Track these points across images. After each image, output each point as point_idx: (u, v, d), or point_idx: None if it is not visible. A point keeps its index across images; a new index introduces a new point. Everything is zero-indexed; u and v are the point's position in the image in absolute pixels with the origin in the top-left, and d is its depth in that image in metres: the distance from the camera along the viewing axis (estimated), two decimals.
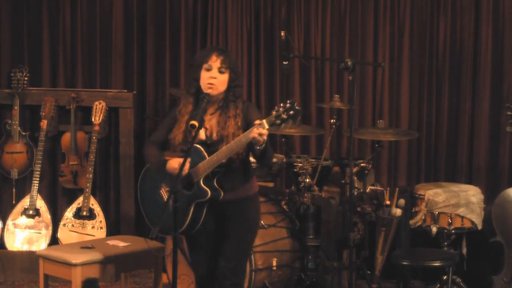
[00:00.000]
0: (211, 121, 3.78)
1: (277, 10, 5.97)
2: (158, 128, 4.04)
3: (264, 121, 3.51)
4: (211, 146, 3.73)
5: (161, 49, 6.10)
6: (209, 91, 3.73)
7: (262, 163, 3.80)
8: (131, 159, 5.92)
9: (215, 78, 3.74)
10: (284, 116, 3.47)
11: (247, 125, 3.71)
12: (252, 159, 3.85)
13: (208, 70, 3.75)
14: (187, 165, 3.66)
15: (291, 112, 3.46)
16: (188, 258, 4.76)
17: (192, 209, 3.73)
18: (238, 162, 3.73)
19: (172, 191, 3.51)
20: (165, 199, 3.80)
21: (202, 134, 3.75)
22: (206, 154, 3.70)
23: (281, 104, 3.50)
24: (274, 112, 3.49)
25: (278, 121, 3.48)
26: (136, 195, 5.91)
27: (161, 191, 3.86)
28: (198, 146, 3.71)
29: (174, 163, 3.72)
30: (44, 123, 5.70)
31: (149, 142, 3.98)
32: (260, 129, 3.49)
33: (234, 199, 3.79)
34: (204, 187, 3.71)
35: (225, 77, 3.76)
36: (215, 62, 3.74)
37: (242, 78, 3.91)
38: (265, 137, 3.52)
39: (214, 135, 3.75)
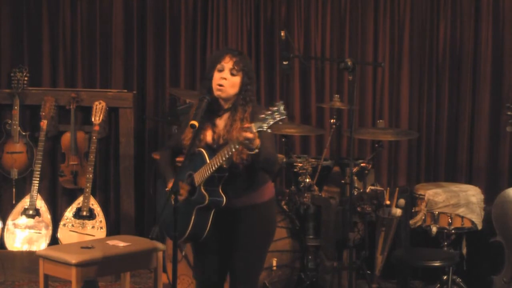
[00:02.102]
0: (220, 125, 3.71)
1: (277, 9, 5.97)
2: (175, 133, 3.97)
3: (252, 125, 3.39)
4: (216, 150, 3.63)
5: (161, 49, 6.10)
6: (218, 93, 3.66)
7: (262, 169, 3.68)
8: (131, 159, 5.92)
9: (225, 79, 3.65)
10: (270, 120, 3.37)
11: None
12: None
13: (220, 71, 3.66)
14: (183, 194, 3.64)
15: (277, 115, 3.36)
16: (190, 263, 4.75)
17: (193, 215, 3.66)
18: (242, 168, 3.63)
19: (172, 191, 3.49)
20: (172, 204, 3.74)
21: (209, 137, 3.70)
22: (207, 159, 3.62)
23: (269, 107, 3.41)
24: (261, 116, 3.39)
25: (264, 125, 3.37)
26: (136, 195, 5.96)
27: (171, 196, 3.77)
28: (201, 150, 3.65)
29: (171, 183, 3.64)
30: (44, 123, 5.70)
31: (164, 148, 3.92)
32: (247, 133, 3.38)
33: (242, 207, 3.69)
34: (203, 192, 3.63)
35: (236, 80, 3.67)
36: (227, 63, 3.66)
37: (255, 83, 3.82)
38: (255, 142, 3.41)
39: (221, 139, 3.67)
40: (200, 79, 5.98)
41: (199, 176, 3.64)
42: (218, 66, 3.68)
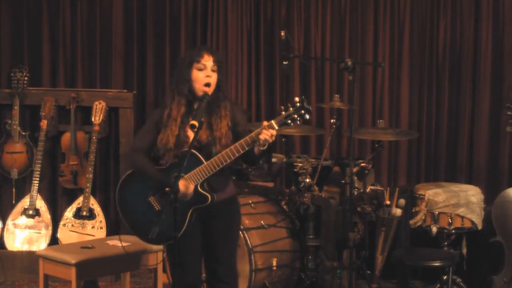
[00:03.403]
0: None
1: (277, 9, 5.97)
2: (140, 134, 3.84)
3: (272, 122, 3.44)
4: (202, 149, 3.65)
5: (161, 49, 6.10)
6: (207, 89, 3.67)
7: (255, 162, 3.75)
8: None
9: (210, 77, 3.68)
10: (295, 116, 3.42)
11: (234, 125, 3.69)
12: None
13: (202, 69, 3.67)
14: (191, 188, 3.62)
15: (302, 111, 3.41)
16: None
17: (189, 216, 3.68)
18: (230, 164, 3.66)
19: (173, 191, 3.48)
20: (156, 207, 3.72)
21: (191, 137, 3.66)
22: (202, 158, 3.63)
23: (289, 104, 3.43)
24: (283, 113, 3.43)
25: (288, 121, 3.42)
26: None
27: (150, 199, 3.75)
28: (193, 151, 3.62)
29: (182, 187, 3.60)
30: (44, 123, 5.70)
31: (135, 151, 3.81)
32: (271, 131, 3.44)
33: (223, 200, 3.75)
34: (204, 192, 3.65)
35: (215, 77, 3.70)
36: (208, 61, 3.68)
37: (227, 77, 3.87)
38: (274, 138, 3.48)
39: (204, 137, 3.67)
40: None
41: (196, 177, 3.63)
42: (198, 65, 3.67)
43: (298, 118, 3.44)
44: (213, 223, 3.78)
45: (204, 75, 3.67)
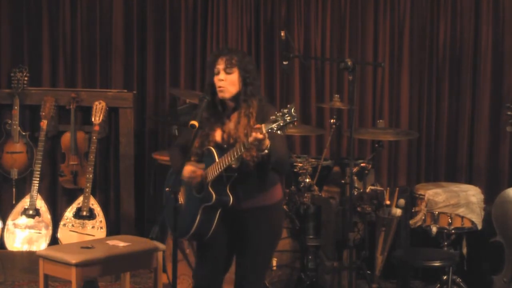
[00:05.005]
0: (229, 124, 3.71)
1: (277, 9, 5.97)
2: (183, 133, 3.97)
3: (262, 126, 3.41)
4: (227, 149, 3.63)
5: (161, 49, 6.10)
6: (221, 94, 3.68)
7: (273, 169, 3.70)
8: (131, 159, 5.92)
9: (222, 80, 3.67)
10: (281, 122, 3.37)
11: None
12: None
13: (217, 74, 3.69)
14: (199, 172, 3.63)
15: (288, 118, 3.36)
16: (190, 263, 4.75)
17: (199, 213, 3.67)
18: (254, 167, 3.62)
19: (173, 191, 3.49)
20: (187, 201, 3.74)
21: (218, 137, 3.70)
22: (216, 157, 3.63)
23: (281, 109, 3.44)
24: (272, 117, 3.41)
25: (274, 126, 3.38)
26: (136, 195, 5.95)
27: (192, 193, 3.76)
28: (211, 148, 3.66)
29: (187, 169, 3.65)
30: (44, 123, 5.70)
31: (174, 145, 3.95)
32: (258, 134, 3.39)
33: (252, 208, 3.69)
34: (211, 190, 3.64)
35: (234, 77, 3.68)
36: (220, 64, 3.68)
37: (256, 76, 3.81)
38: (264, 143, 3.43)
39: (231, 138, 3.67)
40: (200, 80, 5.99)
41: (208, 174, 3.65)
42: (215, 70, 3.70)
43: (284, 125, 3.38)
44: (238, 229, 3.75)
45: (217, 79, 3.69)
